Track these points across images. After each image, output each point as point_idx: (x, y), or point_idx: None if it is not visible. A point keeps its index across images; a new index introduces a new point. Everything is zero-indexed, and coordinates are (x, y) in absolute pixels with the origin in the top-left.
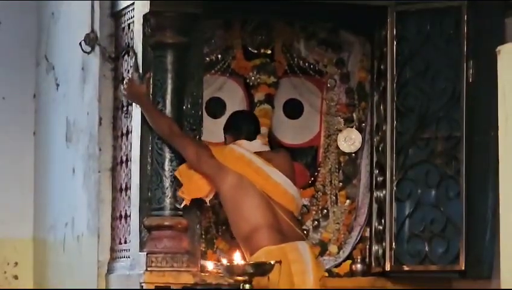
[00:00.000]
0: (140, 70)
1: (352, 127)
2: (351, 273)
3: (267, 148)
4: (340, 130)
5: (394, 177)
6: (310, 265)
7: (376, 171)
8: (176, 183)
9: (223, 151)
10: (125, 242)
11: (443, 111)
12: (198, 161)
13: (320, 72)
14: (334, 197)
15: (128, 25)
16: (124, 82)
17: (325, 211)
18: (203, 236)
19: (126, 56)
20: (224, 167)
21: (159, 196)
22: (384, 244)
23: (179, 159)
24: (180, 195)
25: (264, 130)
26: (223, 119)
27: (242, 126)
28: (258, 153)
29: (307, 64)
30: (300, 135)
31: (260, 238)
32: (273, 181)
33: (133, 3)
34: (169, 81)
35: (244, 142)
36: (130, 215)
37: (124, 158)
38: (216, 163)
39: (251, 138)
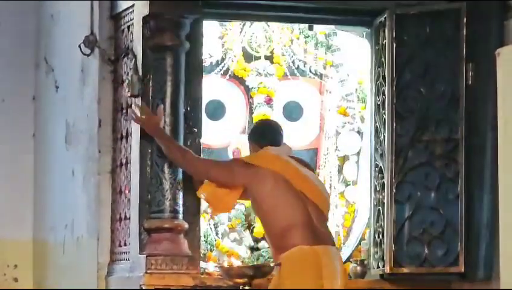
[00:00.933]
0: (140, 73)
1: (351, 129)
2: (351, 276)
3: (293, 153)
4: (340, 133)
5: (394, 180)
6: (339, 270)
7: (376, 174)
8: (176, 186)
9: (259, 155)
10: (125, 244)
11: (442, 114)
12: (233, 175)
13: (320, 74)
14: (334, 200)
15: (128, 27)
16: (132, 108)
17: None
18: (203, 238)
19: (125, 58)
20: (261, 170)
21: (158, 199)
22: (383, 246)
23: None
24: (209, 213)
25: None
26: (223, 122)
27: (268, 134)
28: (291, 157)
29: (306, 66)
30: (300, 138)
31: (294, 236)
32: (310, 181)
33: (132, 6)
34: (168, 84)
35: (271, 147)
36: (129, 218)
37: (124, 160)
38: (252, 170)
39: (277, 144)
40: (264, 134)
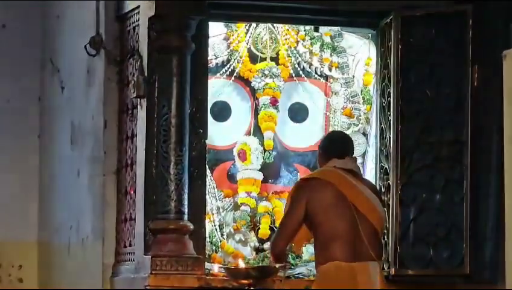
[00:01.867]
0: (146, 74)
1: (357, 131)
2: None
3: (358, 168)
4: None
5: (399, 182)
6: (377, 287)
7: (381, 175)
8: (181, 187)
9: (320, 169)
10: (130, 245)
11: (448, 115)
12: (296, 218)
13: (325, 75)
14: None
15: (134, 28)
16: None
17: None
18: (208, 239)
19: (131, 59)
20: (319, 181)
21: (164, 199)
22: (388, 248)
23: (184, 162)
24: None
25: (269, 134)
26: (228, 123)
27: (333, 146)
28: (349, 171)
29: (312, 68)
30: (306, 139)
31: (334, 250)
32: (363, 195)
33: (138, 7)
34: (174, 85)
35: (336, 160)
36: (135, 219)
37: (129, 161)
38: (312, 182)
39: (342, 156)
40: (330, 146)
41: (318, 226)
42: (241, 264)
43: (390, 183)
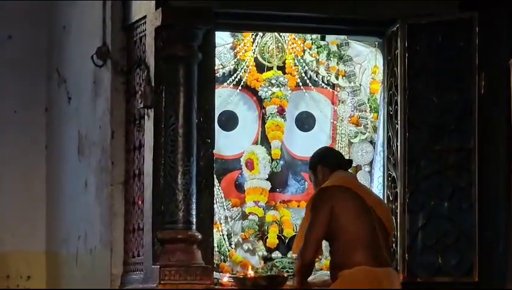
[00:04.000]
0: (153, 84)
1: (364, 139)
2: None
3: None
4: (352, 143)
5: (407, 189)
6: None
7: (388, 183)
8: (189, 197)
9: (335, 176)
10: (139, 255)
11: (455, 123)
12: (323, 221)
13: (332, 84)
14: None
15: (140, 38)
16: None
17: None
18: (216, 249)
19: (138, 69)
20: (341, 187)
21: (172, 210)
22: (397, 256)
23: (191, 172)
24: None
25: (276, 143)
26: (235, 132)
27: (338, 159)
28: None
29: (318, 76)
30: (313, 148)
31: (358, 255)
32: (380, 200)
33: (144, 17)
34: (181, 94)
35: (341, 171)
36: (143, 229)
37: (137, 172)
38: (334, 189)
39: (346, 168)
40: (333, 160)
41: (341, 231)
42: (250, 274)
43: (398, 191)
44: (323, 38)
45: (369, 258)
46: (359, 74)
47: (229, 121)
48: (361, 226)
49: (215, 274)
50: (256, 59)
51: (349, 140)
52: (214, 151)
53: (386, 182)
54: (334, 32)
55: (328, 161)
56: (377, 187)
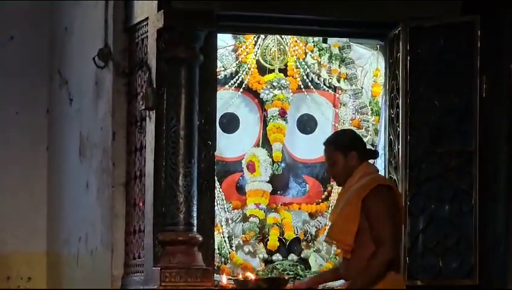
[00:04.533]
0: (154, 86)
1: (365, 142)
2: None
3: None
4: None
5: (407, 192)
6: None
7: None
8: (190, 199)
9: (383, 177)
10: (139, 257)
11: (456, 126)
12: (399, 216)
13: (334, 87)
14: None
15: (142, 39)
16: None
17: None
18: (217, 251)
19: (140, 71)
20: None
21: (172, 211)
22: None
23: (192, 174)
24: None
25: (277, 145)
26: (237, 134)
27: (364, 145)
28: None
29: (320, 79)
30: (314, 150)
31: (399, 259)
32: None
33: (146, 18)
34: (183, 96)
35: (370, 162)
36: (143, 230)
37: (138, 173)
38: (395, 191)
39: (374, 158)
40: (363, 146)
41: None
42: (251, 276)
43: None
44: (325, 41)
45: (398, 264)
46: (361, 77)
47: (231, 123)
48: (401, 229)
49: (216, 276)
50: (258, 61)
51: None
52: (215, 153)
53: None
54: (336, 34)
55: (362, 149)
56: None
